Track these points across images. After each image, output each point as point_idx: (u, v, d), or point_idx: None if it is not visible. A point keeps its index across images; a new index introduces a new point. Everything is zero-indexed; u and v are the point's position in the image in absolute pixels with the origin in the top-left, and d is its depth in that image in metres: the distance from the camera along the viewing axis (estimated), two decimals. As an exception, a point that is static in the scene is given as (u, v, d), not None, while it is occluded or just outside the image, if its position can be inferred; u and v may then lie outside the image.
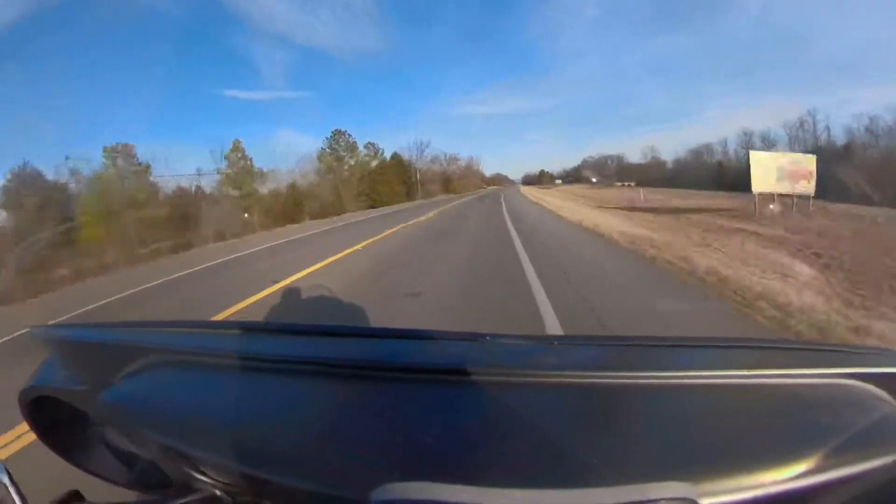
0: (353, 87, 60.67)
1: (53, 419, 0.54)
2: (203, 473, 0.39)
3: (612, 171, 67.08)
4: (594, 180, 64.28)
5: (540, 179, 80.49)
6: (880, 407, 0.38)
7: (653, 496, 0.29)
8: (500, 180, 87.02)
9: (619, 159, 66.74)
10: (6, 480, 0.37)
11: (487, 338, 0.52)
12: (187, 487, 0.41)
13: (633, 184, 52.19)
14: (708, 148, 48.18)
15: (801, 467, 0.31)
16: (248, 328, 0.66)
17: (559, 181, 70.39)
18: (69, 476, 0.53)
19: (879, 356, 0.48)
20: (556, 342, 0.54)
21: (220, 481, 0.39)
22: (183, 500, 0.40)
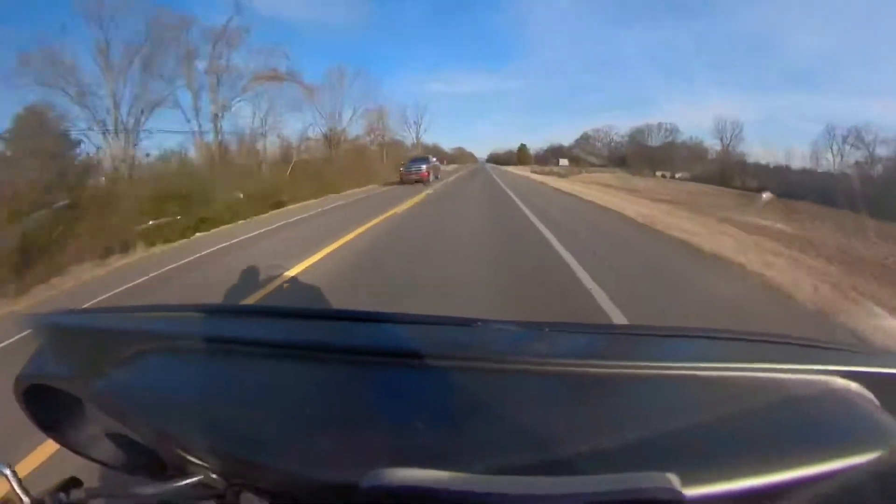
0: (308, 62, 49.15)
1: (50, 406, 0.55)
2: (198, 458, 0.40)
3: (606, 151, 43.49)
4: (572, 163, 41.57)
5: (520, 157, 55.92)
6: (865, 407, 0.40)
7: (638, 485, 0.30)
8: (462, 157, 61.05)
9: (663, 131, 43.21)
10: (7, 472, 0.40)
11: (479, 323, 0.54)
12: (183, 472, 0.42)
13: (668, 174, 29.97)
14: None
15: (783, 461, 0.33)
16: (240, 312, 0.71)
17: (564, 161, 45.81)
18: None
19: (869, 356, 0.49)
20: (546, 329, 0.54)
21: (214, 465, 0.40)
22: (178, 484, 0.41)
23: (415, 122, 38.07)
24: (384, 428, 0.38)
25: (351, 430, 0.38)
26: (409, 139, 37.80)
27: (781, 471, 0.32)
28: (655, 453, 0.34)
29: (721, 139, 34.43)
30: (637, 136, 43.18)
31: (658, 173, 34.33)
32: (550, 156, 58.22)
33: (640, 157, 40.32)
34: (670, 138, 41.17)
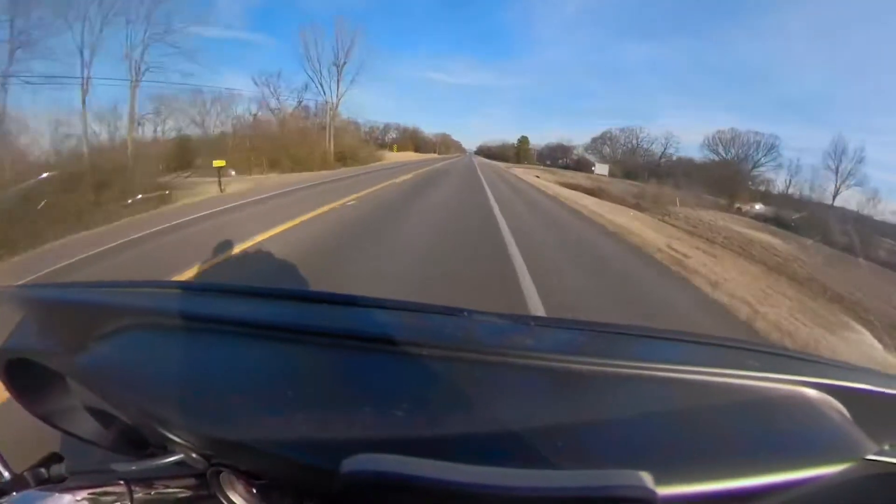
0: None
1: (30, 381, 0.56)
2: (179, 436, 0.41)
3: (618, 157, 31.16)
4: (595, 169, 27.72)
5: (519, 153, 42.66)
6: (835, 419, 0.42)
7: (613, 482, 0.31)
8: (445, 146, 47.84)
9: (760, 146, 29.48)
10: None
11: (465, 313, 0.55)
12: (164, 449, 0.43)
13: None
14: None
15: (755, 467, 0.35)
16: (225, 290, 0.69)
17: (603, 168, 31.64)
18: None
19: (843, 370, 0.51)
20: (532, 323, 0.56)
21: (195, 444, 0.41)
22: (160, 462, 0.43)
23: (336, 65, 20.47)
24: (365, 414, 0.38)
25: (332, 414, 0.38)
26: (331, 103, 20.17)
27: (753, 476, 0.34)
28: (632, 451, 0.35)
29: (836, 168, 21.52)
30: (713, 146, 29.33)
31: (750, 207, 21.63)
32: (558, 154, 44.88)
33: (687, 174, 27.28)
34: (765, 158, 27.40)
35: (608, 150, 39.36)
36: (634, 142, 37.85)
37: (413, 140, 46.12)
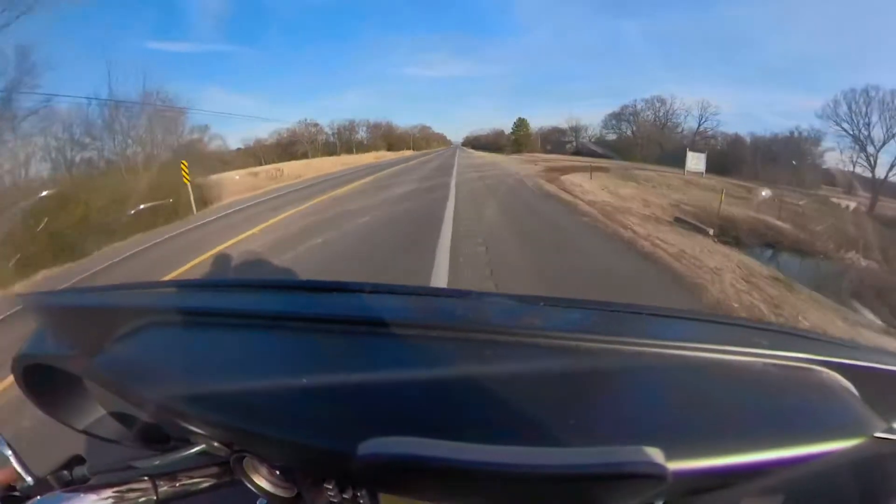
0: (291, 42, 39.91)
1: (50, 385, 0.58)
2: (199, 428, 0.43)
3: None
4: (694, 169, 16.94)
5: (518, 140, 32.97)
6: (844, 397, 0.43)
7: (622, 458, 0.32)
8: (425, 140, 38.00)
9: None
10: (8, 452, 0.42)
11: (473, 295, 0.57)
12: (185, 442, 0.46)
13: None
14: None
15: (763, 443, 0.36)
16: (234, 285, 0.73)
17: (698, 159, 19.22)
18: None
19: (852, 349, 0.52)
20: (542, 303, 0.57)
21: (216, 436, 0.43)
22: (182, 455, 0.45)
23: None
24: (379, 397, 0.39)
25: (347, 399, 0.40)
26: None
27: (762, 451, 0.35)
28: (642, 428, 0.36)
29: None
30: (832, 114, 19.26)
31: None
32: (564, 138, 35.11)
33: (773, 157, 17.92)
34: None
35: (629, 128, 29.64)
36: (663, 114, 28.09)
37: (386, 137, 36.78)
